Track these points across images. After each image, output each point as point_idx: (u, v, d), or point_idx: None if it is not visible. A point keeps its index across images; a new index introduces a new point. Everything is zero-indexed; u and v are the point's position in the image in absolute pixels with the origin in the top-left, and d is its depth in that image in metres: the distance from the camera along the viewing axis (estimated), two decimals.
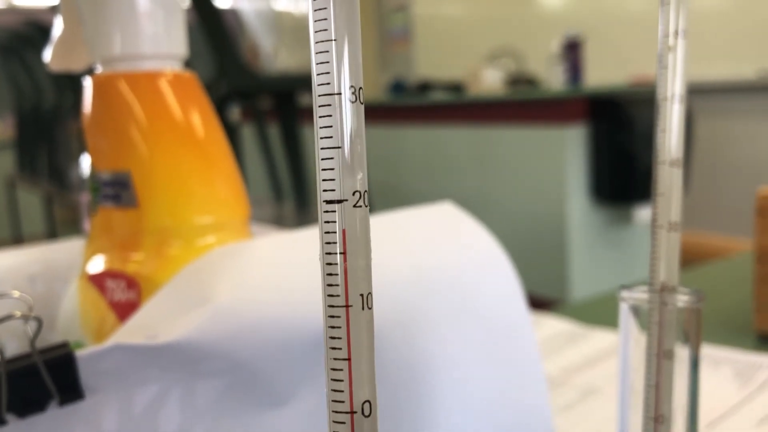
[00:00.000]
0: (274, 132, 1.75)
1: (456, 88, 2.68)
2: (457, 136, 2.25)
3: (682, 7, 0.18)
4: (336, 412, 0.13)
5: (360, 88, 0.13)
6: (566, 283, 1.89)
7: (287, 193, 1.76)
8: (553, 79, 2.30)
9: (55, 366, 0.21)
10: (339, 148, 0.13)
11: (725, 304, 0.54)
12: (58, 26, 0.32)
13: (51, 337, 0.31)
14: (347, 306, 0.13)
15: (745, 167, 2.36)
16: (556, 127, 1.89)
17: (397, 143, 2.51)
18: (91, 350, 0.21)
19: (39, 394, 0.21)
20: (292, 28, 4.15)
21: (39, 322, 0.21)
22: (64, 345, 0.22)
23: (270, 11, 4.22)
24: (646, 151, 1.79)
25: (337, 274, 0.13)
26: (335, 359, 0.13)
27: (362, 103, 0.13)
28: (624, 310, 0.21)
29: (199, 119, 0.30)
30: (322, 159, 0.13)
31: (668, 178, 0.19)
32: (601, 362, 0.45)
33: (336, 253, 0.13)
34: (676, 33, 0.18)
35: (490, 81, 2.56)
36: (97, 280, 0.29)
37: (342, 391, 0.13)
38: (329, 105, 0.12)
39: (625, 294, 0.21)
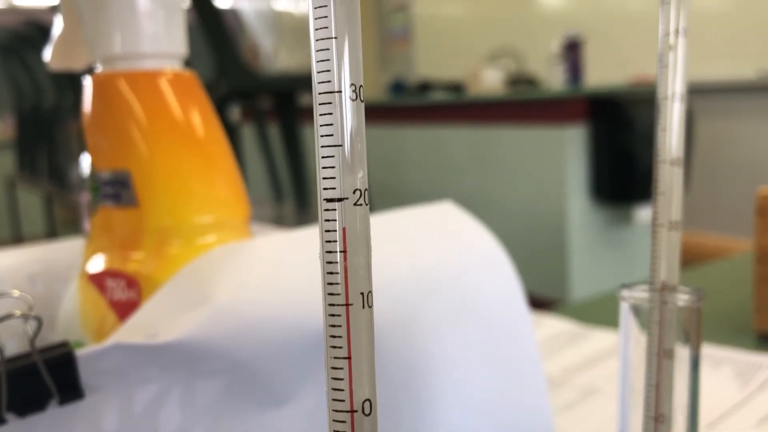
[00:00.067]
0: (274, 132, 1.75)
1: (456, 88, 2.68)
2: (457, 136, 2.25)
3: (682, 6, 0.18)
4: (336, 411, 0.13)
5: (360, 86, 0.13)
6: (566, 283, 1.89)
7: (287, 193, 1.76)
8: (553, 79, 2.30)
9: (55, 365, 0.21)
10: (339, 146, 0.13)
11: (725, 304, 0.54)
12: (58, 25, 0.32)
13: (51, 337, 0.31)
14: (347, 304, 0.13)
15: (745, 167, 2.36)
16: (556, 127, 1.89)
17: (397, 143, 2.51)
18: (91, 349, 0.21)
19: (39, 394, 0.21)
20: (292, 28, 4.15)
21: (39, 321, 0.21)
22: (64, 344, 0.22)
23: (270, 11, 4.22)
24: (646, 151, 1.80)
25: (337, 273, 0.13)
26: (335, 358, 0.13)
27: (362, 101, 0.13)
28: (624, 309, 0.21)
29: (200, 118, 0.30)
30: (323, 157, 0.13)
31: (669, 177, 0.19)
32: (601, 362, 0.45)
33: (336, 252, 0.13)
34: (677, 32, 0.18)
35: (490, 81, 2.56)
36: (97, 280, 0.29)
37: (342, 390, 0.13)
38: (330, 103, 0.12)
39: (625, 293, 0.21)
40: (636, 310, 0.21)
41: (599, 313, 0.55)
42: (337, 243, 0.13)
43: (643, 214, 1.87)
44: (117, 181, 0.29)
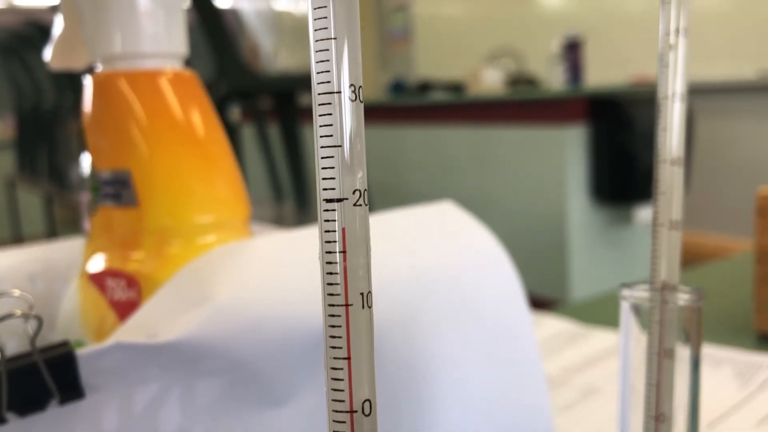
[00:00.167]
0: (274, 132, 1.75)
1: (456, 88, 2.68)
2: (457, 136, 2.25)
3: (682, 6, 0.18)
4: (336, 411, 0.13)
5: (360, 86, 0.13)
6: (566, 283, 1.89)
7: (287, 193, 1.76)
8: (553, 79, 2.30)
9: (55, 365, 0.21)
10: (339, 146, 0.13)
11: (725, 304, 0.54)
12: (58, 25, 0.32)
13: (51, 337, 0.31)
14: (347, 305, 0.13)
15: (745, 167, 2.36)
16: (556, 127, 1.89)
17: (397, 143, 2.51)
18: (92, 349, 0.21)
19: (39, 393, 0.21)
20: (292, 28, 4.15)
21: (39, 320, 0.21)
22: (65, 344, 0.22)
23: (270, 11, 4.22)
24: (646, 151, 1.80)
25: (337, 273, 0.13)
26: (335, 358, 0.13)
27: (362, 102, 0.13)
28: (625, 308, 0.21)
29: (200, 118, 0.30)
30: (322, 158, 0.13)
31: (669, 176, 0.19)
32: (602, 362, 0.45)
33: (336, 252, 0.13)
34: (677, 31, 0.18)
35: (490, 81, 2.56)
36: (98, 279, 0.29)
37: (342, 390, 0.13)
38: (329, 103, 0.12)
39: (625, 292, 0.21)
40: (636, 309, 0.21)
41: (599, 313, 0.55)
42: (337, 243, 0.13)
43: (643, 214, 1.87)
44: (117, 180, 0.29)
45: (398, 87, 3.14)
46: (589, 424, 0.37)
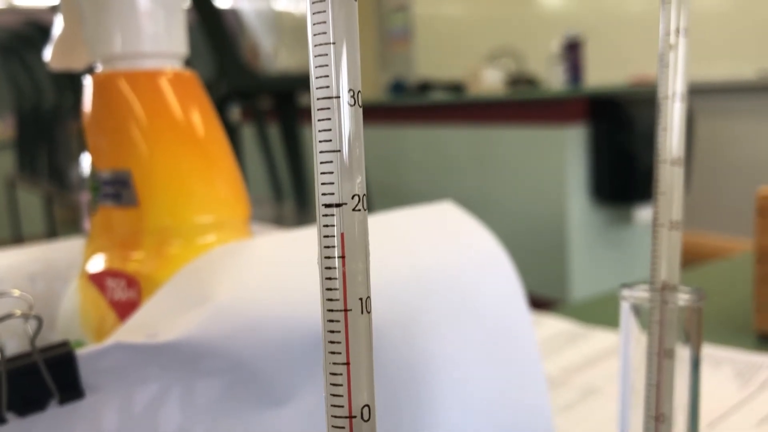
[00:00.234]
0: (274, 132, 1.75)
1: (456, 88, 2.68)
2: (457, 136, 2.25)
3: (683, 6, 0.18)
4: (335, 416, 0.13)
5: (358, 91, 0.13)
6: (566, 283, 1.89)
7: (287, 193, 1.76)
8: (553, 79, 2.30)
9: (55, 365, 0.21)
10: (338, 151, 0.13)
11: (725, 304, 0.54)
12: (58, 25, 0.32)
13: (51, 337, 0.31)
14: (346, 310, 0.13)
15: (745, 167, 2.36)
16: (556, 127, 1.89)
17: (397, 143, 2.51)
18: (92, 349, 0.21)
19: (39, 393, 0.21)
20: (292, 28, 4.15)
21: (39, 320, 0.21)
22: (65, 344, 0.22)
23: (270, 11, 4.22)
24: (646, 151, 1.80)
25: (336, 278, 0.13)
26: (334, 363, 0.13)
27: (360, 107, 0.13)
28: (625, 308, 0.21)
29: (200, 118, 0.30)
30: (321, 162, 0.13)
31: (669, 176, 0.19)
32: (602, 362, 0.45)
33: (335, 257, 0.13)
34: (678, 31, 0.18)
35: (490, 81, 2.56)
36: (98, 279, 0.29)
37: (341, 396, 0.13)
38: (328, 108, 0.12)
39: (626, 292, 0.21)
40: (636, 309, 0.21)
41: (599, 313, 0.55)
42: (336, 248, 0.13)
43: (643, 214, 1.87)
44: (117, 180, 0.29)
45: (398, 87, 3.14)
46: (589, 424, 0.37)
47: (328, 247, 0.13)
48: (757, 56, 2.32)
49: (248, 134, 2.14)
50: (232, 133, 1.58)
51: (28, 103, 2.82)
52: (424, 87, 2.87)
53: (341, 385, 0.13)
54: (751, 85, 2.32)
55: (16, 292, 0.22)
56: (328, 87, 0.12)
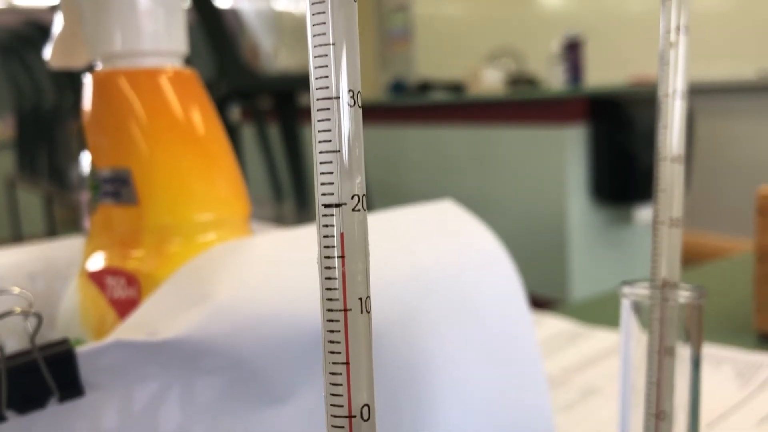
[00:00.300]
0: (274, 132, 1.75)
1: (456, 88, 2.68)
2: (457, 136, 2.25)
3: (683, 3, 0.18)
4: (335, 416, 0.13)
5: (358, 92, 0.13)
6: (566, 283, 1.89)
7: (287, 193, 1.76)
8: (553, 79, 2.30)
9: (55, 362, 0.21)
10: (337, 152, 0.13)
11: (726, 303, 0.54)
12: (58, 23, 0.32)
13: (51, 335, 0.31)
14: (345, 310, 0.13)
15: (745, 167, 2.36)
16: (556, 127, 1.89)
17: (397, 143, 2.51)
18: (91, 347, 0.21)
19: (39, 391, 0.21)
20: (292, 28, 4.15)
21: (39, 318, 0.21)
22: (64, 341, 0.22)
23: (270, 11, 4.22)
24: (647, 151, 1.80)
25: (335, 278, 0.13)
26: (334, 363, 0.13)
27: (360, 107, 0.13)
28: (625, 306, 0.21)
29: (200, 116, 0.30)
30: (321, 163, 0.13)
31: (670, 174, 0.19)
32: (602, 362, 0.45)
33: (334, 257, 0.13)
34: (678, 28, 0.18)
35: (490, 81, 2.56)
36: (97, 278, 0.29)
37: (341, 395, 0.13)
38: (328, 109, 0.12)
39: (626, 290, 0.21)
40: (637, 307, 0.21)
41: (599, 312, 0.55)
42: (335, 248, 0.13)
43: (643, 214, 1.87)
44: (117, 178, 0.29)
45: (398, 87, 3.14)
46: (590, 424, 0.37)
47: (327, 247, 0.13)
48: (757, 56, 2.32)
49: (248, 134, 2.14)
50: (232, 133, 1.58)
51: (28, 103, 2.82)
52: (424, 87, 2.87)
53: (341, 384, 0.13)
54: (751, 85, 2.32)
55: (16, 290, 0.22)
56: (327, 87, 0.12)
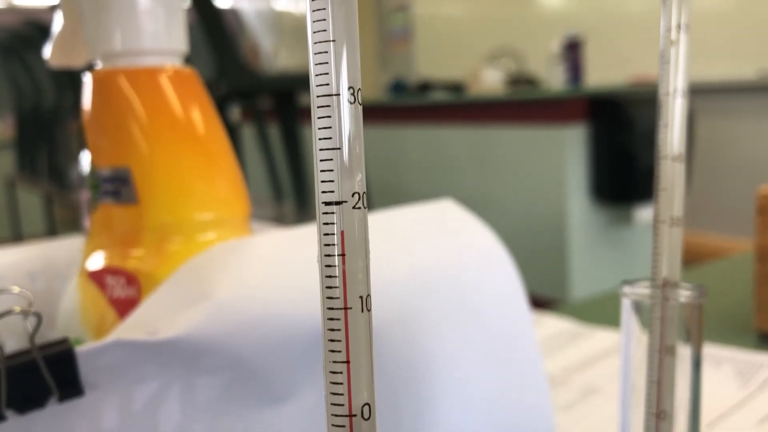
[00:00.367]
0: (274, 132, 1.75)
1: (456, 88, 2.68)
2: (457, 136, 2.25)
3: (684, 2, 0.18)
4: (335, 415, 0.13)
5: (358, 89, 0.13)
6: (566, 283, 1.89)
7: (287, 192, 1.76)
8: (553, 79, 2.30)
9: (54, 362, 0.21)
10: (338, 149, 0.13)
11: (726, 303, 0.54)
12: (58, 22, 0.32)
13: (51, 334, 0.31)
14: (346, 308, 0.13)
15: (746, 167, 2.36)
16: (556, 127, 1.89)
17: (397, 143, 2.51)
18: (91, 346, 0.21)
19: (39, 390, 0.21)
20: (292, 28, 4.15)
21: (39, 317, 0.21)
22: (64, 341, 0.21)
23: (270, 11, 4.22)
24: (647, 151, 1.80)
25: (336, 276, 0.13)
26: (334, 362, 0.13)
27: (360, 105, 0.13)
28: (626, 305, 0.21)
29: (200, 115, 0.30)
30: (321, 160, 0.13)
31: (670, 173, 0.19)
32: (602, 361, 0.45)
33: (335, 255, 0.13)
34: (679, 27, 0.18)
35: (490, 81, 2.56)
36: (97, 277, 0.29)
37: (341, 394, 0.13)
38: (328, 106, 0.12)
39: (627, 289, 0.21)
40: (637, 306, 0.21)
41: (600, 312, 0.55)
42: (336, 246, 0.13)
43: (643, 214, 1.87)
44: (117, 178, 0.29)
45: (398, 87, 3.14)
46: (590, 423, 0.37)
47: (328, 245, 0.13)
48: (757, 56, 2.32)
49: (248, 134, 2.14)
50: (232, 133, 1.58)
51: (28, 102, 2.82)
52: (424, 87, 2.87)
53: (341, 383, 0.13)
54: (751, 85, 2.32)
55: (16, 289, 0.22)
56: (327, 84, 0.12)
